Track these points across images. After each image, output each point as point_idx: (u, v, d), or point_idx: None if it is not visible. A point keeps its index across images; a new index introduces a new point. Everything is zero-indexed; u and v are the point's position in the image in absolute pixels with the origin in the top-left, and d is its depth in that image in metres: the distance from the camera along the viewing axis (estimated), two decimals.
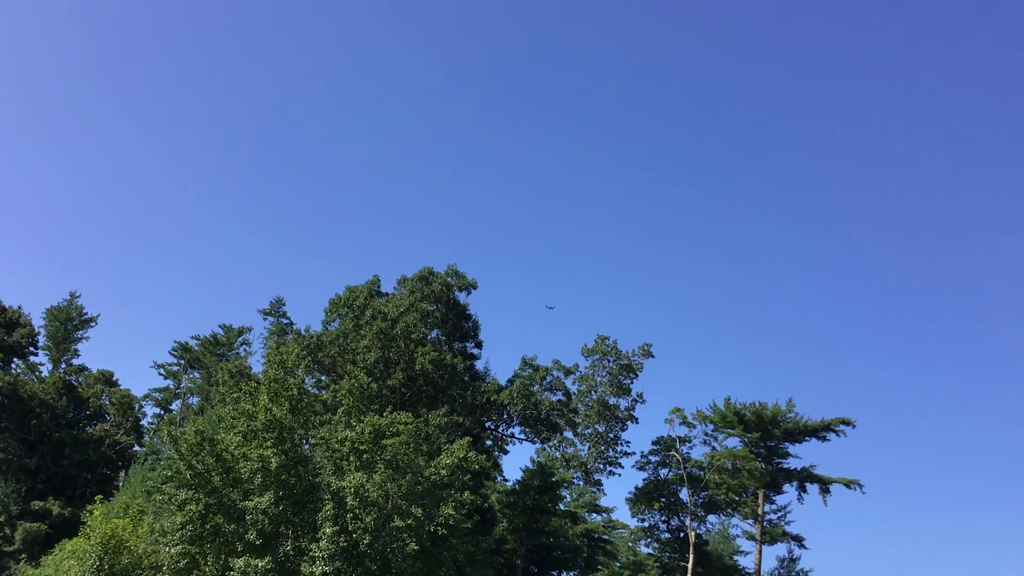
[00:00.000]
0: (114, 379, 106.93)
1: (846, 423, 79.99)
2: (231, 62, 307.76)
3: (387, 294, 68.32)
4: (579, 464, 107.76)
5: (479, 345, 68.41)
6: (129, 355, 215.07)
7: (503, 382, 66.57)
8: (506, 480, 75.55)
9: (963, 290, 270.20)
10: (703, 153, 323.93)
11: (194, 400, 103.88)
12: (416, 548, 35.77)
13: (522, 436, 68.93)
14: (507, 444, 71.28)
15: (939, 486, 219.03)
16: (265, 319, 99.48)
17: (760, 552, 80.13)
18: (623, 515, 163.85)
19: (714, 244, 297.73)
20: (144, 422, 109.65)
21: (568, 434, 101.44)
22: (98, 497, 47.00)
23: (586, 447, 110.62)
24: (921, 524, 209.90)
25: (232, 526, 34.85)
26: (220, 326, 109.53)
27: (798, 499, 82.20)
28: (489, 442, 68.73)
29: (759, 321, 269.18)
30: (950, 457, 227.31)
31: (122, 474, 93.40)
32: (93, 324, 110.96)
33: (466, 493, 41.21)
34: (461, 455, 41.03)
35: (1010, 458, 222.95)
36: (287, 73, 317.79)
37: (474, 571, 44.02)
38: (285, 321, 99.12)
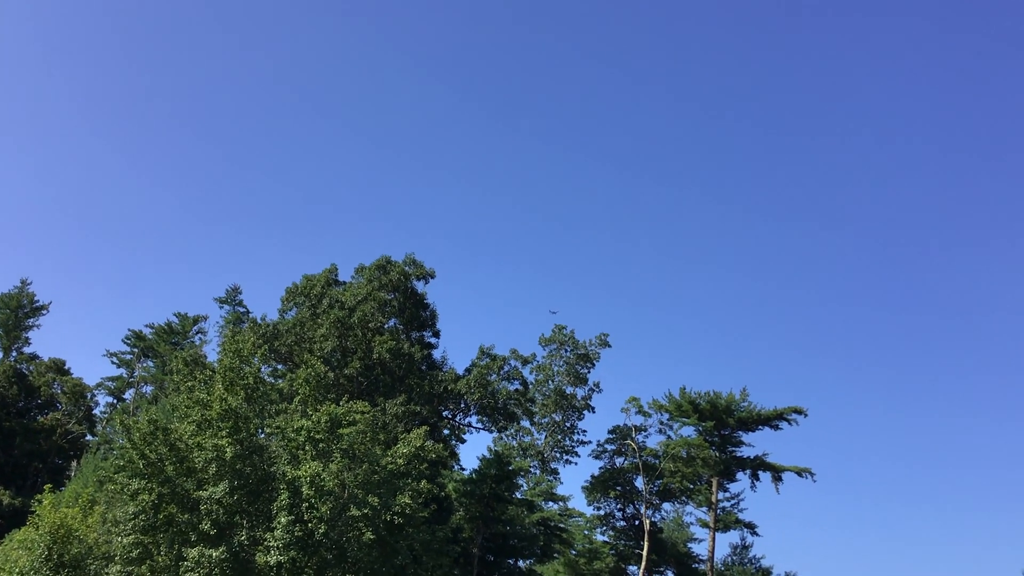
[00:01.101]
0: (66, 368, 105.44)
1: (798, 412, 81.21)
2: (183, 39, 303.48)
3: (345, 283, 68.02)
4: (536, 453, 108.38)
5: (436, 334, 68.44)
6: (81, 343, 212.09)
7: (460, 371, 66.67)
8: (463, 469, 75.76)
9: (917, 282, 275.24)
10: (660, 142, 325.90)
11: (148, 389, 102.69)
12: (372, 537, 35.78)
13: (479, 425, 69.13)
14: (464, 433, 71.42)
15: (886, 474, 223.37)
16: (221, 307, 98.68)
17: (713, 539, 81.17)
18: (579, 503, 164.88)
19: (671, 235, 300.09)
20: (96, 411, 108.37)
21: (525, 423, 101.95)
22: (47, 486, 46.41)
23: (543, 436, 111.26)
24: (869, 511, 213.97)
25: (186, 516, 34.62)
26: (175, 314, 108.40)
27: (751, 487, 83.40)
28: (446, 431, 68.79)
29: (715, 311, 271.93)
30: (898, 446, 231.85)
31: (74, 464, 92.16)
32: (44, 312, 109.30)
33: (423, 482, 41.27)
34: (418, 444, 41.07)
35: (957, 447, 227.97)
36: (240, 54, 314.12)
37: (430, 560, 44.11)
38: (241, 310, 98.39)
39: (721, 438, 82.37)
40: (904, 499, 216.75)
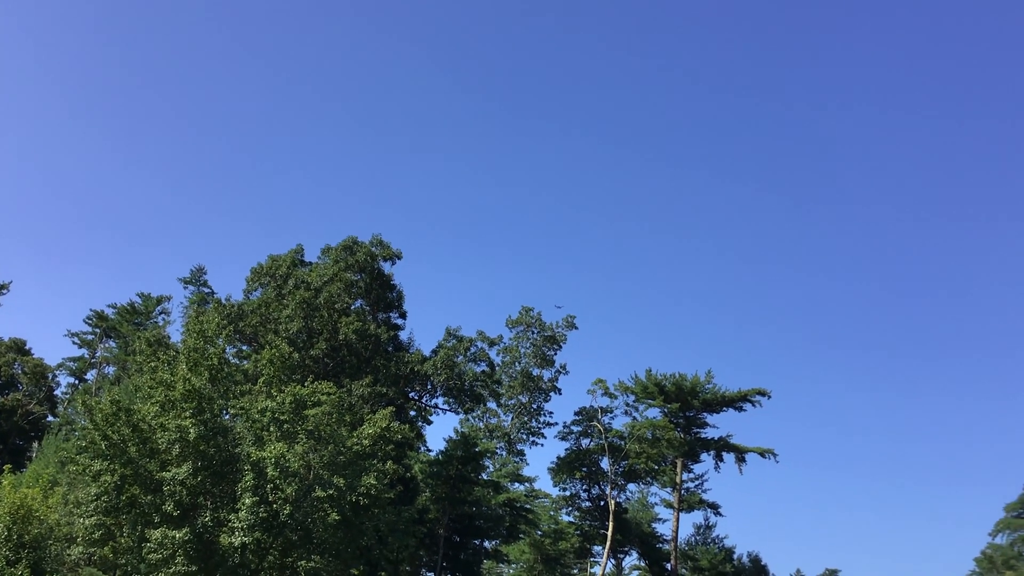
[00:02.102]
0: (26, 348, 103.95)
1: (762, 394, 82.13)
2: (152, 10, 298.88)
3: (311, 263, 67.57)
4: (502, 434, 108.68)
5: (403, 315, 68.22)
6: (42, 323, 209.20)
7: (427, 353, 66.58)
8: (429, 450, 75.88)
9: (873, 268, 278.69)
10: (629, 118, 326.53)
11: (110, 370, 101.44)
12: (337, 518, 35.74)
13: (446, 407, 69.12)
14: (430, 415, 71.39)
15: (844, 454, 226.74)
16: (185, 288, 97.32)
17: (677, 519, 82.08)
18: (545, 484, 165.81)
19: (639, 216, 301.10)
20: (58, 392, 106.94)
21: (492, 405, 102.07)
22: (7, 467, 45.89)
23: (509, 418, 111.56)
24: (827, 489, 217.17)
25: (149, 497, 34.32)
26: (138, 294, 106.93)
27: (715, 468, 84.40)
28: (412, 412, 68.75)
29: (681, 294, 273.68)
30: (855, 426, 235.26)
31: (35, 444, 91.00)
32: (4, 291, 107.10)
33: (388, 463, 41.26)
34: (384, 425, 40.99)
35: (910, 423, 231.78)
36: (206, 29, 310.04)
37: (396, 540, 44.22)
38: (206, 290, 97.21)
39: (686, 419, 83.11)
40: (863, 478, 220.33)
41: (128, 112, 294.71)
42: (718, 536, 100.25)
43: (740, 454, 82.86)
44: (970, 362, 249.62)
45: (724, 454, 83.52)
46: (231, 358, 54.24)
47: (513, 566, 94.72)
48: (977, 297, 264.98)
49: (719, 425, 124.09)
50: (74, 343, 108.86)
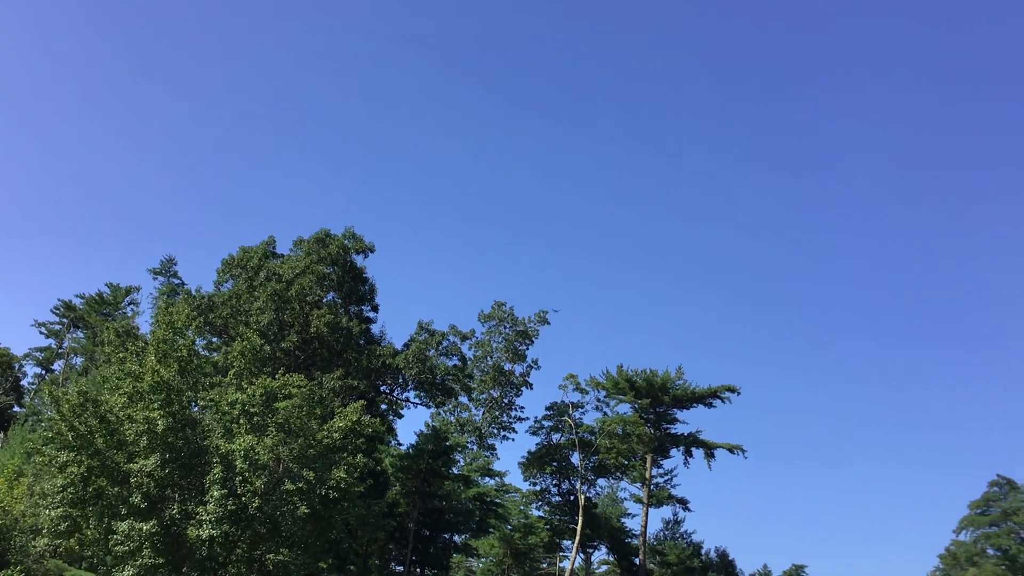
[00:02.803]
0: None
1: (731, 390, 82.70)
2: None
3: (283, 255, 67.17)
4: (473, 429, 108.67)
5: (375, 309, 68.02)
6: (9, 313, 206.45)
7: (399, 346, 66.44)
8: (400, 444, 75.69)
9: (842, 260, 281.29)
10: (604, 109, 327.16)
11: (78, 360, 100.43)
12: (307, 511, 35.59)
13: (417, 400, 69.00)
14: (402, 408, 71.23)
15: (811, 452, 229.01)
16: (155, 278, 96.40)
17: (646, 514, 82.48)
18: (515, 479, 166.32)
19: (612, 212, 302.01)
20: (24, 382, 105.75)
21: (463, 399, 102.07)
22: None
23: (481, 412, 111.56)
24: (794, 486, 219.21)
25: (116, 489, 34.03)
26: (107, 284, 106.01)
27: (684, 463, 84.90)
28: (384, 406, 68.56)
29: (654, 290, 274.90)
30: (823, 424, 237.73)
31: (0, 435, 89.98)
32: None
33: (359, 457, 41.14)
34: (354, 418, 40.87)
35: (874, 422, 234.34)
36: (179, 15, 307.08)
37: (365, 534, 44.09)
38: (176, 281, 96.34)
39: (656, 415, 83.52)
40: (830, 476, 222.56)
41: (99, 101, 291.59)
42: (686, 531, 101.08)
43: (709, 450, 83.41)
44: (939, 356, 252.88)
45: (693, 450, 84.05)
46: (201, 350, 53.80)
47: (482, 560, 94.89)
48: (949, 291, 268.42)
49: (689, 421, 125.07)
50: (41, 333, 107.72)
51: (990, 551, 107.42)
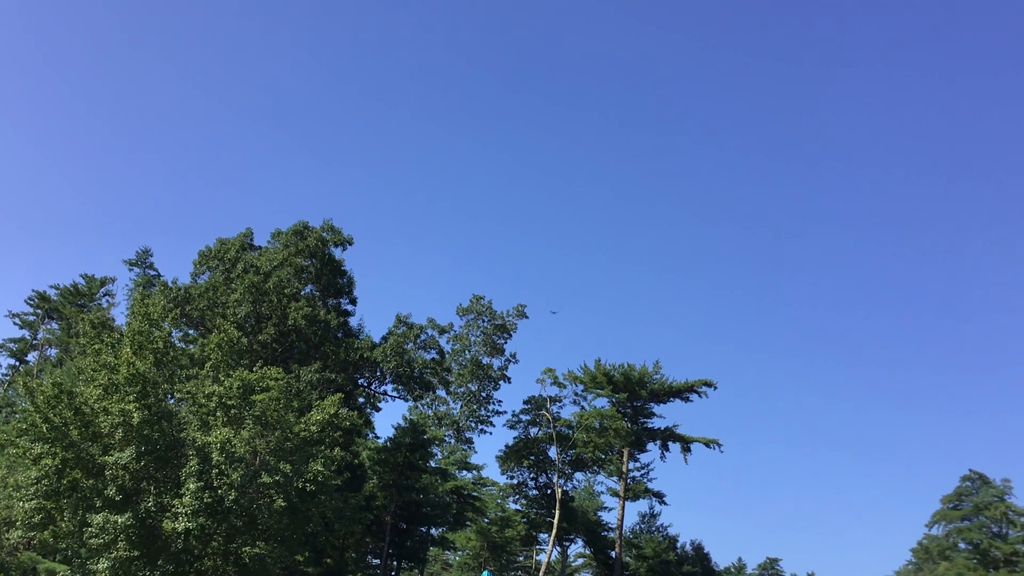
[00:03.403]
0: None
1: (708, 384, 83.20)
2: None
3: (260, 248, 66.84)
4: (451, 422, 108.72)
5: (353, 301, 67.86)
6: None
7: (377, 339, 66.33)
8: (378, 437, 75.68)
9: (816, 257, 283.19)
10: (584, 96, 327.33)
11: (52, 352, 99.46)
12: (283, 504, 35.50)
13: (395, 394, 68.98)
14: (379, 401, 71.13)
15: (786, 447, 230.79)
16: (130, 270, 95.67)
17: (623, 508, 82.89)
18: (493, 472, 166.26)
19: (590, 204, 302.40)
20: None
21: (441, 392, 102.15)
22: None
23: (458, 405, 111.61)
24: (769, 481, 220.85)
25: (90, 481, 33.79)
26: (82, 275, 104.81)
27: (661, 457, 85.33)
28: (361, 399, 68.45)
29: (632, 284, 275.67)
30: (796, 419, 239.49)
31: None
32: None
33: (336, 450, 41.10)
34: (332, 411, 40.78)
35: (848, 417, 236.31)
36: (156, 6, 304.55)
37: (342, 527, 44.05)
38: (152, 272, 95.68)
39: (633, 409, 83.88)
40: (804, 472, 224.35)
41: (73, 89, 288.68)
42: (662, 525, 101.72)
43: (686, 444, 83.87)
44: (914, 350, 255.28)
45: (670, 444, 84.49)
46: (177, 342, 53.49)
47: (459, 553, 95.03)
48: (925, 283, 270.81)
49: (665, 415, 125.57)
50: (15, 324, 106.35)
51: (962, 545, 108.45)
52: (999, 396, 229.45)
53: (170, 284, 62.40)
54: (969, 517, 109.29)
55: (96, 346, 40.26)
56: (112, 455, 33.69)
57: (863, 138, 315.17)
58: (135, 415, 34.01)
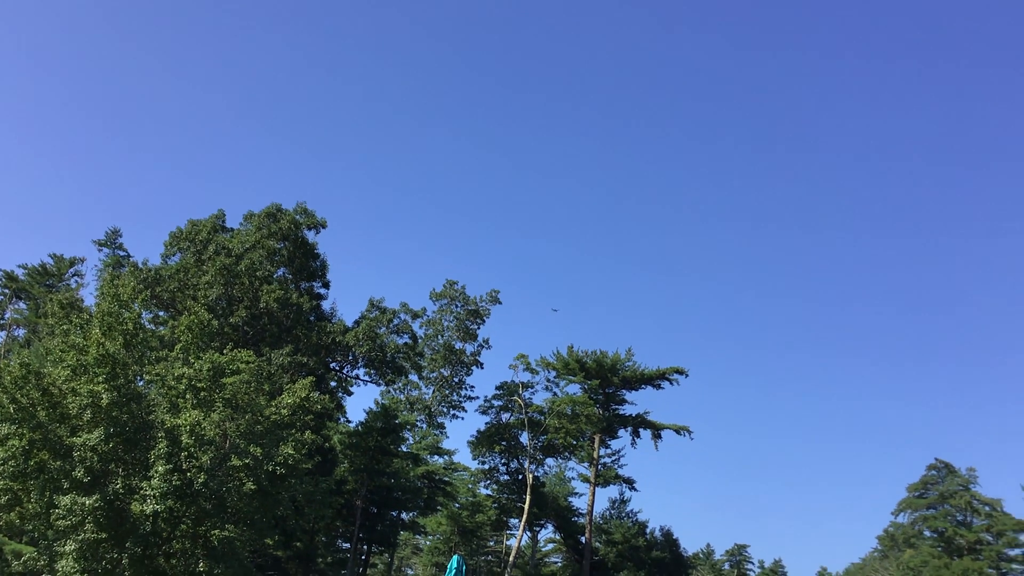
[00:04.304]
0: None
1: (679, 372, 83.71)
2: None
3: (232, 230, 66.37)
4: (423, 407, 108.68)
5: (326, 285, 67.62)
6: None
7: (350, 323, 66.15)
8: (349, 422, 75.49)
9: (789, 241, 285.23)
10: (560, 77, 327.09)
11: (19, 332, 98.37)
12: (253, 488, 35.38)
13: (367, 378, 68.85)
14: (351, 386, 71.06)
15: (754, 435, 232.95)
16: (100, 250, 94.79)
17: (593, 493, 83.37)
18: (464, 457, 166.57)
19: (564, 188, 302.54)
20: None
21: (413, 377, 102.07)
22: None
23: (431, 390, 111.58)
24: (738, 467, 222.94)
25: (58, 463, 33.50)
26: (50, 255, 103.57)
27: (631, 444, 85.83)
28: (333, 383, 68.33)
29: (605, 269, 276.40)
30: (765, 407, 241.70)
31: None
32: None
33: (307, 433, 40.99)
34: (303, 395, 40.65)
35: (816, 406, 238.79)
36: None
37: (313, 511, 43.94)
38: (122, 253, 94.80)
39: (605, 396, 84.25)
40: (772, 460, 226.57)
41: (41, 65, 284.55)
42: (632, 510, 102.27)
43: (656, 431, 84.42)
44: (881, 337, 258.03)
45: (641, 430, 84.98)
46: (147, 324, 53.07)
47: (430, 538, 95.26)
48: (892, 269, 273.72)
49: (637, 402, 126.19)
50: None
51: (927, 533, 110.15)
52: (965, 386, 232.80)
53: (140, 265, 61.87)
54: (934, 505, 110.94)
55: (65, 327, 39.91)
56: (80, 436, 33.42)
57: (828, 128, 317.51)
58: (104, 396, 33.74)
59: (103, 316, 37.32)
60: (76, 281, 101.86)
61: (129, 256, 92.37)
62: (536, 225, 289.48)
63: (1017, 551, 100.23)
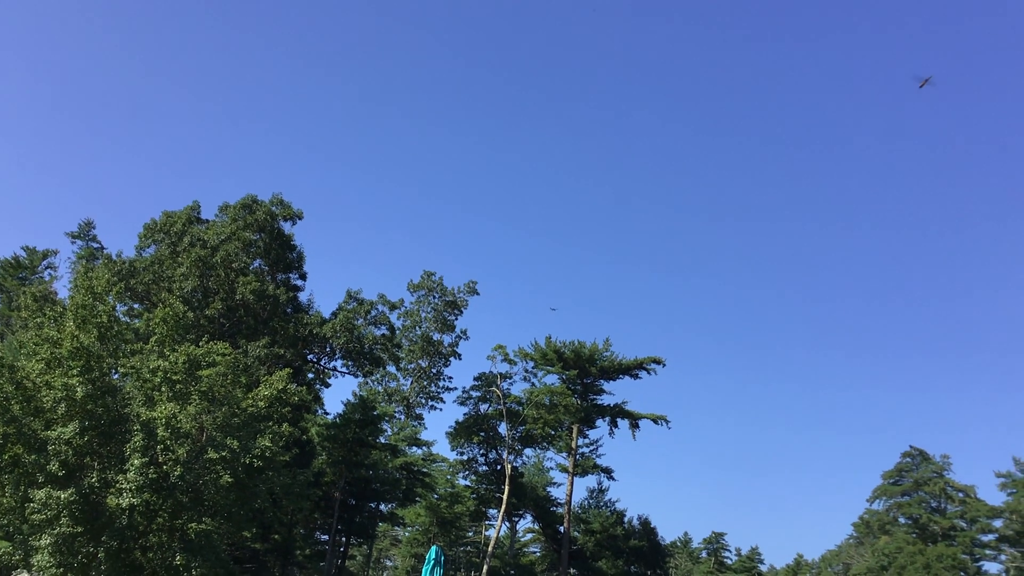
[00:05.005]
0: None
1: (657, 362, 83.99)
2: None
3: (208, 221, 65.88)
4: (401, 398, 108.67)
5: (303, 277, 67.31)
6: None
7: (327, 315, 65.89)
8: (327, 413, 75.38)
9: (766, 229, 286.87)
10: (538, 67, 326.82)
11: None
12: (230, 480, 35.20)
13: (344, 370, 68.69)
14: (329, 377, 70.86)
15: (732, 424, 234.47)
16: (73, 242, 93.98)
17: (571, 483, 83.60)
18: (443, 448, 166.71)
19: (542, 178, 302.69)
20: None
21: (391, 369, 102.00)
22: None
23: (409, 382, 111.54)
24: (715, 458, 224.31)
25: (32, 456, 33.19)
26: (22, 248, 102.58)
27: (609, 433, 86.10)
28: (311, 375, 68.08)
29: (583, 260, 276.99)
30: (744, 396, 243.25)
31: None
32: None
33: (284, 425, 40.80)
34: (280, 387, 40.41)
35: (793, 395, 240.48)
36: None
37: (290, 503, 43.79)
38: (95, 245, 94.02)
39: (583, 386, 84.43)
40: (749, 448, 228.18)
41: (14, 56, 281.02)
42: (610, 500, 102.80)
43: (634, 420, 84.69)
44: (860, 325, 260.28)
45: (619, 420, 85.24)
46: (122, 316, 52.61)
47: (409, 529, 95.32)
48: (868, 256, 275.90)
49: (615, 392, 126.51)
50: None
51: (902, 520, 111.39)
52: (940, 374, 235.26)
53: (114, 257, 61.32)
54: (909, 492, 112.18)
55: (38, 319, 39.47)
56: (55, 430, 33.14)
57: (801, 122, 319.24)
58: (78, 390, 33.46)
59: (77, 309, 36.99)
60: (49, 274, 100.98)
61: (103, 248, 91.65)
62: (514, 216, 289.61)
63: (990, 537, 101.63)
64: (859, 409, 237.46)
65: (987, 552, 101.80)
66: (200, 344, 39.60)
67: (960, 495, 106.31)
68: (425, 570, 32.05)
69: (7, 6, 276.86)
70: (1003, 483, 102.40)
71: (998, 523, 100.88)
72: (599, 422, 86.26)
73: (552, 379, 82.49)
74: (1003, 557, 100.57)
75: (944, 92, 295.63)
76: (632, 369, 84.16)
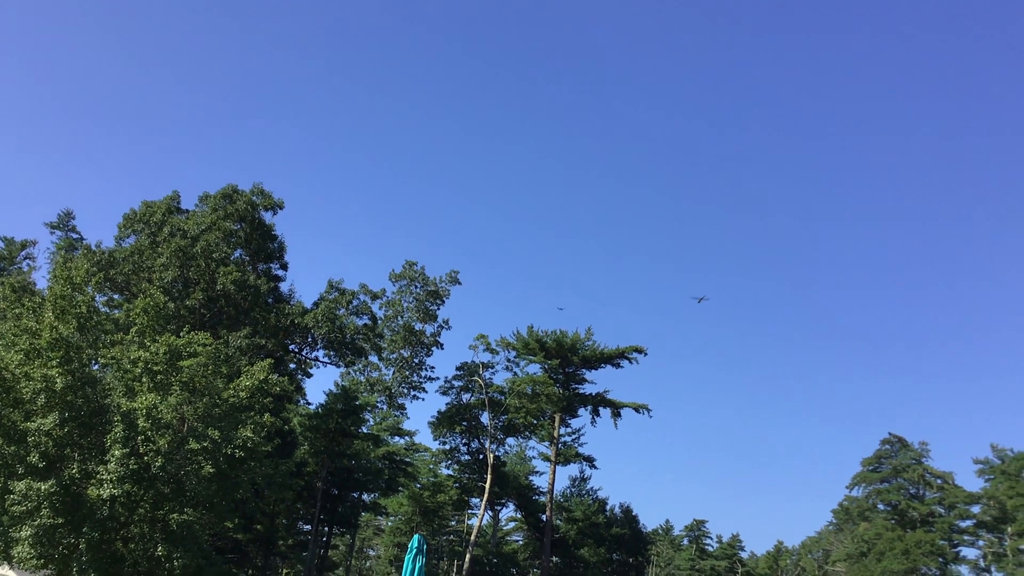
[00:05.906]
0: None
1: (639, 351, 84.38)
2: None
3: (188, 211, 65.49)
4: (384, 388, 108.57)
5: (284, 267, 67.04)
6: None
7: (309, 305, 65.71)
8: (309, 404, 75.18)
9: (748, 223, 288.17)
10: (520, 50, 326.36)
11: None
12: (212, 471, 35.16)
13: (326, 360, 68.50)
14: (311, 367, 70.66)
15: (711, 412, 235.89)
16: (52, 233, 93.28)
17: (554, 472, 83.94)
18: (425, 438, 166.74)
19: (523, 168, 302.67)
20: None
21: (373, 358, 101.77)
22: None
23: (391, 372, 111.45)
24: (696, 446, 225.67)
25: (12, 448, 33.03)
26: (1, 238, 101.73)
27: (591, 422, 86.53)
28: (292, 365, 67.87)
29: (565, 250, 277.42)
30: (725, 385, 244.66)
31: None
32: None
33: (266, 416, 40.71)
34: (262, 377, 40.32)
35: (774, 383, 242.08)
36: None
37: (273, 493, 43.86)
38: (75, 236, 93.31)
39: (565, 375, 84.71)
40: (729, 437, 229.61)
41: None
42: (592, 488, 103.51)
43: (616, 409, 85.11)
44: (839, 314, 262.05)
45: (601, 409, 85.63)
46: (101, 307, 52.32)
47: (392, 518, 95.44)
48: (847, 243, 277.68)
49: (597, 381, 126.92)
50: None
51: (881, 506, 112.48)
52: (919, 362, 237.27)
53: (94, 248, 60.91)
54: (888, 479, 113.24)
55: (17, 310, 39.26)
56: (34, 421, 32.99)
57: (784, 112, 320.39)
58: (58, 381, 33.30)
59: (56, 299, 36.77)
60: (28, 264, 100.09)
61: (82, 239, 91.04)
62: (496, 205, 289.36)
63: (968, 523, 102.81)
64: (839, 397, 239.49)
65: (965, 538, 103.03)
66: (181, 334, 39.47)
67: (938, 481, 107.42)
68: (408, 559, 32.08)
69: None
70: (980, 469, 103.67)
71: (976, 509, 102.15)
72: (581, 411, 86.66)
73: (534, 368, 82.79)
74: (980, 543, 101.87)
75: (925, 87, 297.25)
76: (614, 358, 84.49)
